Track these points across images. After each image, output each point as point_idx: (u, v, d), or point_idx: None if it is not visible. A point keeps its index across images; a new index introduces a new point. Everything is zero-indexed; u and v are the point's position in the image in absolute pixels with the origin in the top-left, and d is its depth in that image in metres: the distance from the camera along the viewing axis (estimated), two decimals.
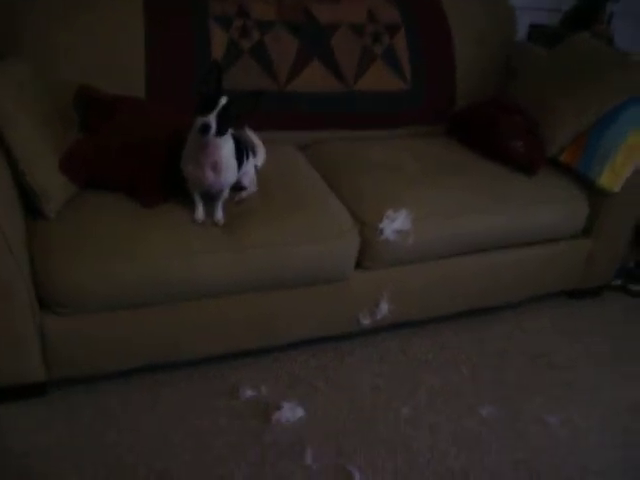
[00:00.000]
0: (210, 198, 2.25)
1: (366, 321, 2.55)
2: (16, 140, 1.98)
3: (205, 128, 1.94)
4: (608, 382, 2.65)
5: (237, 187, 2.35)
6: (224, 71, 2.58)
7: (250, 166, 2.38)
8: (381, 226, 2.38)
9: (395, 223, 2.39)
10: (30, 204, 2.09)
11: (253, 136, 2.56)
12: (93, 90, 2.44)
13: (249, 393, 2.36)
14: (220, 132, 1.98)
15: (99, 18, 2.55)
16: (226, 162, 2.13)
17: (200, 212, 2.22)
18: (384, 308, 2.54)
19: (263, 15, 2.80)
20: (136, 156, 2.25)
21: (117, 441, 2.13)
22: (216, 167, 2.12)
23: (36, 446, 2.09)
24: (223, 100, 1.96)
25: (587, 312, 3.09)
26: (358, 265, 2.46)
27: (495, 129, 2.88)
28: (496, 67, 3.30)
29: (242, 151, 2.26)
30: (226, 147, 2.11)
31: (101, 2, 2.57)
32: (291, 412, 2.29)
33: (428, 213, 2.49)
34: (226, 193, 2.25)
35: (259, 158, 2.54)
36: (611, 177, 2.70)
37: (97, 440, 2.13)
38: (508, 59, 3.32)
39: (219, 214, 2.24)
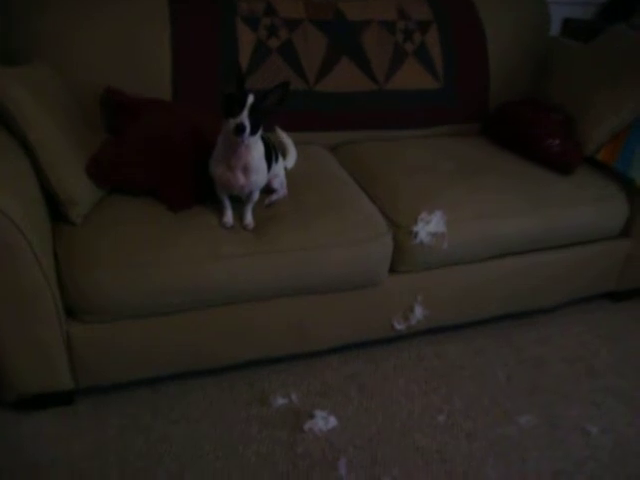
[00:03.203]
0: (239, 201, 2.20)
1: (400, 326, 2.50)
2: (41, 145, 1.95)
3: (240, 128, 1.89)
4: None
5: (267, 190, 2.30)
6: (252, 71, 2.55)
7: (280, 168, 2.34)
8: (415, 229, 2.32)
9: (430, 226, 2.33)
10: (56, 208, 2.05)
11: (285, 137, 2.51)
12: (118, 92, 2.41)
13: (280, 401, 2.31)
14: (253, 131, 1.93)
15: (124, 20, 2.51)
16: (256, 164, 2.09)
17: (229, 216, 2.18)
18: (418, 313, 2.48)
19: (291, 13, 2.75)
20: (163, 159, 2.22)
21: (146, 451, 2.10)
22: (247, 169, 2.07)
23: (63, 456, 2.06)
24: (250, 99, 1.91)
25: (625, 315, 3.01)
26: (392, 269, 2.40)
27: (530, 128, 2.82)
28: (530, 63, 3.22)
29: (271, 153, 2.22)
30: (257, 148, 2.07)
31: (125, 3, 2.53)
32: (323, 421, 2.24)
33: (463, 215, 2.43)
34: (256, 196, 2.20)
35: (290, 160, 2.49)
36: None
37: (125, 450, 2.09)
38: (542, 55, 3.24)
39: (248, 218, 2.20)
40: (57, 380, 2.11)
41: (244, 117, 1.90)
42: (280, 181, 2.34)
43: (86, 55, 2.43)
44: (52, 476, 1.99)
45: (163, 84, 2.55)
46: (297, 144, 2.57)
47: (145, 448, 2.10)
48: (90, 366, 2.13)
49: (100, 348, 2.12)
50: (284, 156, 2.45)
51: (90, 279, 1.96)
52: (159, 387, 2.32)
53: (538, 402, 2.43)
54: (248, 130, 1.90)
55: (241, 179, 2.09)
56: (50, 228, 2.04)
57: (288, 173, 2.41)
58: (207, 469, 2.05)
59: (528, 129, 2.82)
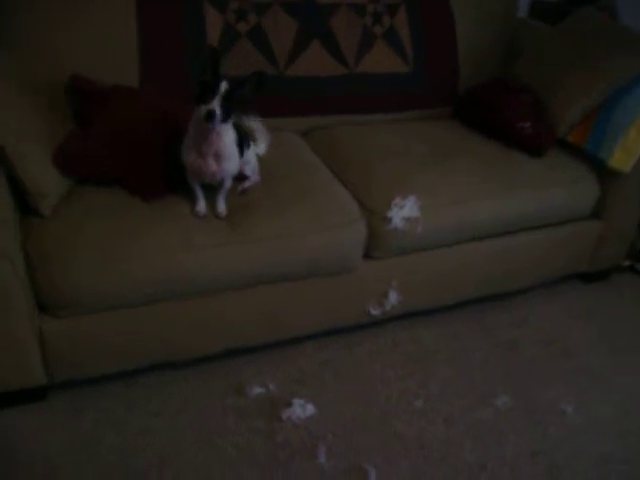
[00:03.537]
0: (212, 190, 2.17)
1: (375, 312, 2.49)
2: (6, 136, 1.88)
3: (211, 115, 1.87)
4: (624, 366, 2.60)
5: (239, 177, 2.27)
6: (221, 56, 2.50)
7: (252, 155, 2.30)
8: (389, 215, 2.31)
9: (403, 211, 2.32)
10: (24, 200, 2.00)
11: (258, 124, 2.48)
12: (85, 80, 2.33)
13: (257, 390, 2.29)
14: (224, 119, 1.91)
15: (90, 5, 2.44)
16: (228, 151, 2.06)
17: (201, 205, 2.14)
18: (393, 298, 2.47)
19: None
20: (131, 148, 2.17)
21: (123, 445, 2.07)
22: (218, 156, 2.05)
23: (39, 452, 2.02)
24: (224, 85, 1.88)
25: (597, 295, 3.03)
26: (366, 255, 2.39)
27: (501, 110, 2.81)
28: (499, 45, 3.21)
29: (242, 139, 2.18)
30: (228, 135, 2.04)
31: None
32: (301, 409, 2.23)
33: (436, 199, 2.41)
34: (228, 184, 2.18)
35: (262, 146, 2.46)
36: (622, 157, 2.61)
37: (102, 445, 2.06)
38: (511, 37, 3.23)
39: (221, 206, 2.17)
40: (30, 376, 2.08)
41: (215, 104, 1.87)
42: (252, 168, 2.31)
43: (51, 41, 2.37)
44: (30, 472, 1.97)
45: (130, 69, 2.50)
46: (268, 130, 2.53)
47: (123, 442, 2.07)
48: (63, 360, 2.10)
49: (73, 342, 2.08)
50: (255, 142, 2.42)
51: (62, 274, 1.92)
52: (135, 380, 2.29)
53: (513, 384, 2.44)
54: (219, 117, 1.88)
55: (213, 166, 2.07)
56: (18, 221, 1.98)
57: (260, 160, 2.38)
58: (186, 463, 2.03)
59: (499, 112, 2.80)
